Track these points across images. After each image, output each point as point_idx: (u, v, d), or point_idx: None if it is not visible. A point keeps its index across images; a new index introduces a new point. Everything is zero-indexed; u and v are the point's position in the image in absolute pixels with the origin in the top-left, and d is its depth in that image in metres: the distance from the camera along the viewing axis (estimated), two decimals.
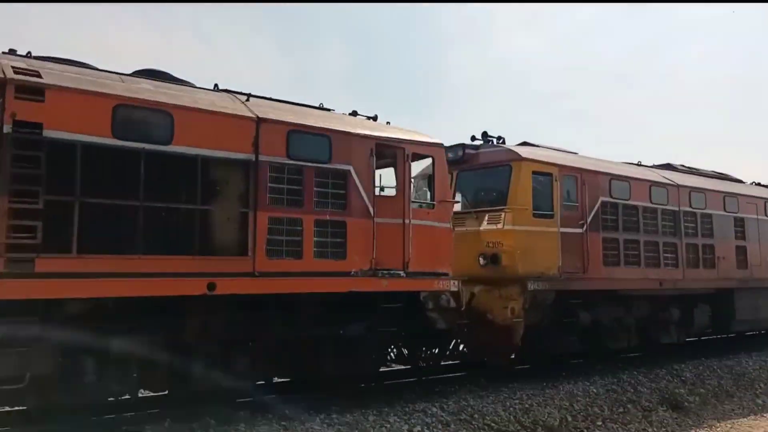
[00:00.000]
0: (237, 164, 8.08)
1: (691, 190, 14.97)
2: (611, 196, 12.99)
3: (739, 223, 15.85)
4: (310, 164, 8.74)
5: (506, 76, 71.94)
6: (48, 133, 6.86)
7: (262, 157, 8.29)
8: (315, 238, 8.63)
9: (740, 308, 15.28)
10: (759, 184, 18.35)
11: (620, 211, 13.10)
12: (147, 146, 7.44)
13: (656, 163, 16.08)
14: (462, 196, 12.38)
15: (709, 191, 15.46)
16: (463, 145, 12.48)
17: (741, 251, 15.66)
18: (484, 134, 12.68)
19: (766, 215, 16.78)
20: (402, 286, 9.62)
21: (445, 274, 10.18)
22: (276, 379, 9.43)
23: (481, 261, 11.42)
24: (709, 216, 15.14)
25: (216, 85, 9.17)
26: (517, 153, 11.98)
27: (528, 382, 11.17)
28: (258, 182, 8.21)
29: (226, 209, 7.97)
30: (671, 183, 14.59)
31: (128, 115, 7.40)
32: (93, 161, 7.11)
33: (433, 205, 10.35)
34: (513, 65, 68.46)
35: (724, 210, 15.55)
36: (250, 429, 7.67)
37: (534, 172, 11.92)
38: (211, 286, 7.66)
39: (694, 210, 14.82)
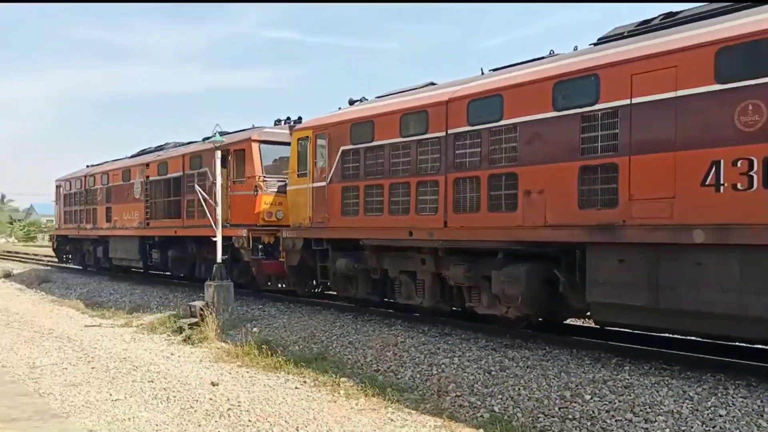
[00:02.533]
0: None
1: (473, 98, 10.49)
2: (351, 143, 12.70)
3: (599, 123, 8.75)
4: None
5: None
6: None
7: None
8: None
9: (599, 282, 8.68)
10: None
11: (362, 156, 12.46)
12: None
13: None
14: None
15: (517, 87, 9.88)
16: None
17: (597, 173, 8.73)
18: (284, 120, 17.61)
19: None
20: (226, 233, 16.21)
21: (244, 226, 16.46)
22: None
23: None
24: (513, 127, 9.80)
25: None
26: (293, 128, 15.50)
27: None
28: None
29: None
30: (436, 101, 11.14)
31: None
32: None
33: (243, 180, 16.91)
34: None
35: (554, 109, 9.26)
36: None
37: (298, 139, 14.36)
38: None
39: (476, 128, 10.35)
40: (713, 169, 7.55)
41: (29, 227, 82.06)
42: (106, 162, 26.98)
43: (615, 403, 7.49)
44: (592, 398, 7.72)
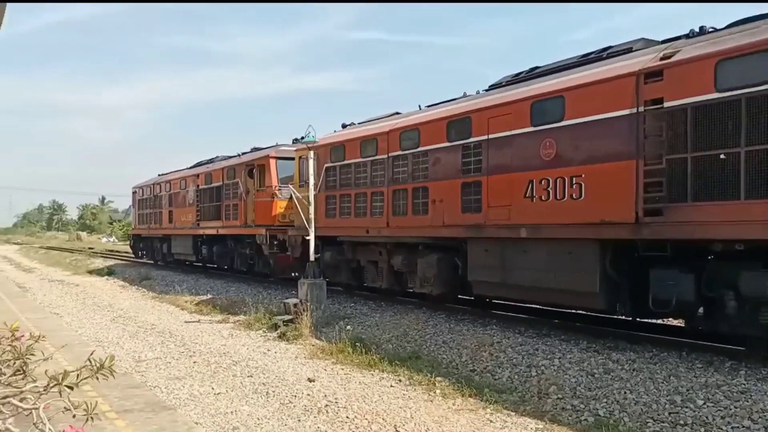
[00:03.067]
0: None
1: (403, 130, 14.07)
2: (331, 161, 16.57)
3: (471, 152, 11.96)
4: None
5: None
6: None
7: None
8: None
9: (477, 265, 11.89)
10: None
11: (338, 171, 16.31)
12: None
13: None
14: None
15: (431, 122, 13.23)
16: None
17: (470, 190, 11.94)
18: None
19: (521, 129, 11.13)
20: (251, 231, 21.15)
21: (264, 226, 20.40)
22: None
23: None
24: (425, 153, 13.15)
25: None
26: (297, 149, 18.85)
27: None
28: None
29: None
30: (381, 131, 14.88)
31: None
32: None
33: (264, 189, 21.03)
34: None
35: (447, 140, 12.61)
36: None
37: (300, 157, 18.22)
38: None
39: (405, 152, 13.84)
40: (529, 186, 10.72)
41: (128, 227, 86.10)
42: (170, 172, 31.60)
43: (730, 410, 7.07)
44: (705, 403, 7.31)
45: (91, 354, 3.00)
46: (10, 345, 3.33)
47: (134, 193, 36.22)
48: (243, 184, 22.18)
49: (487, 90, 13.02)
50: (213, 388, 9.14)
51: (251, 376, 9.82)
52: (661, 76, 8.80)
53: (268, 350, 11.90)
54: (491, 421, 7.61)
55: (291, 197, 18.50)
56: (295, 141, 18.84)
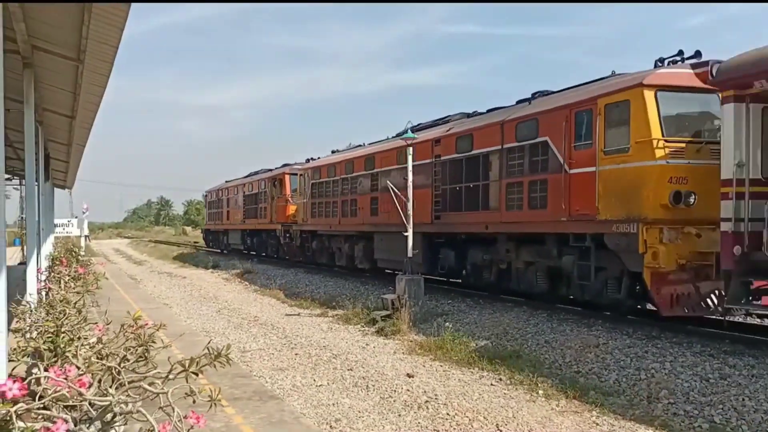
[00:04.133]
0: None
1: (346, 161, 22.54)
2: (313, 179, 25.28)
3: (375, 178, 19.99)
4: None
5: None
6: None
7: None
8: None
9: (377, 248, 20.05)
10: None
11: (318, 186, 24.80)
12: None
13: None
14: None
15: (357, 158, 21.76)
16: None
17: (374, 201, 19.97)
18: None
19: (397, 165, 18.23)
20: (271, 227, 32.56)
21: (280, 223, 30.64)
22: None
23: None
24: (355, 178, 21.49)
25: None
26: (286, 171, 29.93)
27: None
28: None
29: None
30: (335, 161, 23.69)
31: None
32: None
33: (282, 196, 30.50)
34: None
35: (364, 170, 20.86)
36: None
37: (299, 174, 27.43)
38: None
39: (347, 176, 22.19)
40: (394, 200, 17.14)
41: None
42: (229, 180, 41.61)
43: None
44: None
45: (208, 343, 3.09)
46: (133, 333, 3.49)
47: (205, 196, 47.68)
48: (269, 192, 31.51)
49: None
50: (314, 380, 9.31)
51: (351, 370, 9.94)
52: (439, 142, 16.44)
53: (367, 344, 12.02)
54: (597, 424, 7.37)
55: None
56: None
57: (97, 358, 3.24)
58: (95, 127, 13.30)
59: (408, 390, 8.70)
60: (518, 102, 14.69)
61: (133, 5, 5.84)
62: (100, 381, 2.87)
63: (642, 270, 10.19)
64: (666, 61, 11.07)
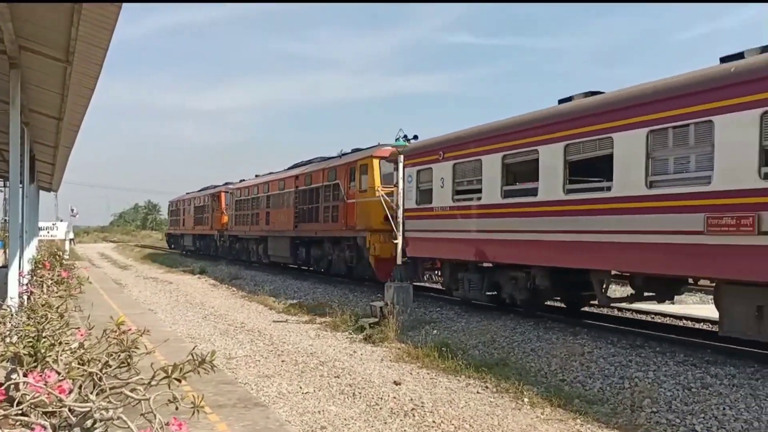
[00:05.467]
0: None
1: (253, 185, 31.64)
2: (236, 197, 34.37)
3: (268, 198, 29.10)
4: None
5: None
6: None
7: None
8: None
9: (270, 247, 28.91)
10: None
11: (239, 203, 33.66)
12: None
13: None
14: None
15: (260, 183, 30.76)
16: None
17: (267, 215, 28.95)
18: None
19: (278, 191, 27.99)
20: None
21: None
22: None
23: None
24: (257, 197, 30.66)
25: None
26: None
27: None
28: None
29: None
30: (257, 183, 31.35)
31: None
32: None
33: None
34: None
35: (262, 192, 30.06)
36: None
37: (226, 193, 38.18)
38: None
39: (255, 196, 30.94)
40: (284, 212, 27.64)
41: None
42: (189, 192, 47.74)
43: None
44: None
45: (193, 349, 3.07)
46: (116, 338, 3.46)
47: (169, 205, 56.75)
48: (210, 205, 39.62)
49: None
50: (301, 387, 9.28)
51: (338, 377, 9.92)
52: (298, 178, 25.50)
53: (354, 352, 11.99)
54: None
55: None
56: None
57: (79, 363, 3.21)
58: (83, 129, 13.25)
59: (395, 398, 8.69)
60: (337, 155, 22.89)
61: (124, 6, 5.82)
62: (80, 387, 2.85)
63: (370, 257, 18.73)
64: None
